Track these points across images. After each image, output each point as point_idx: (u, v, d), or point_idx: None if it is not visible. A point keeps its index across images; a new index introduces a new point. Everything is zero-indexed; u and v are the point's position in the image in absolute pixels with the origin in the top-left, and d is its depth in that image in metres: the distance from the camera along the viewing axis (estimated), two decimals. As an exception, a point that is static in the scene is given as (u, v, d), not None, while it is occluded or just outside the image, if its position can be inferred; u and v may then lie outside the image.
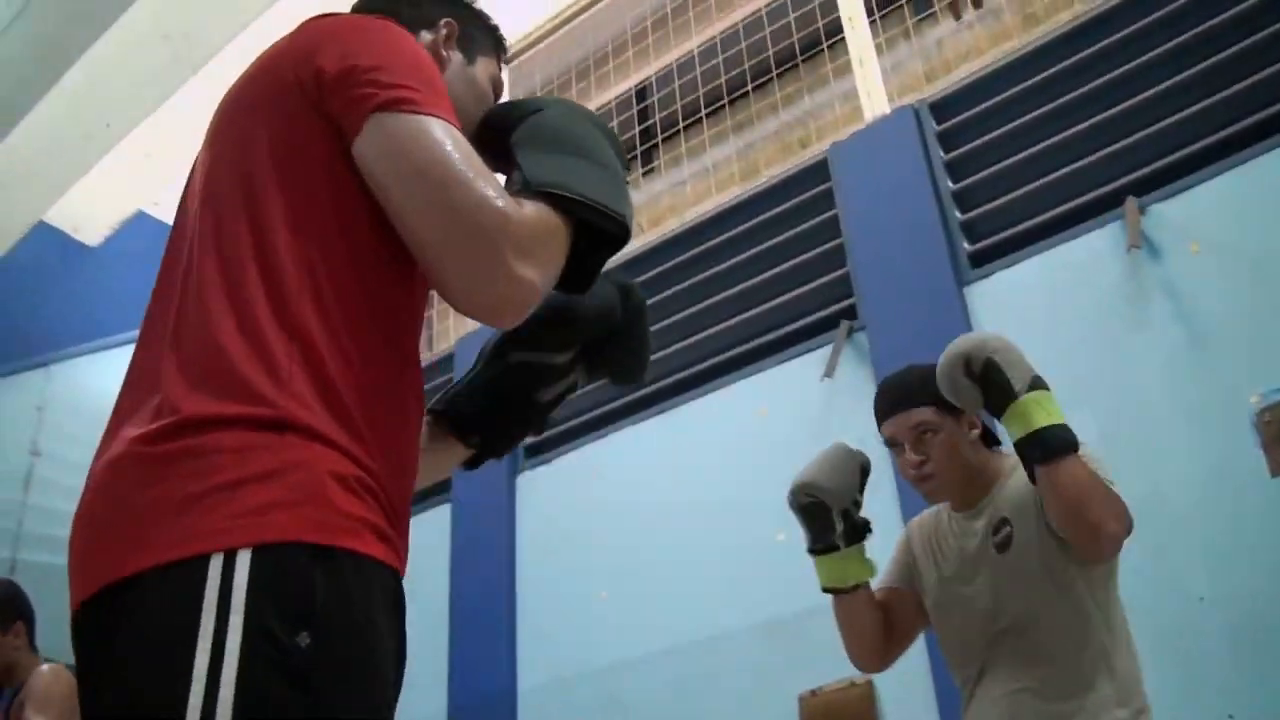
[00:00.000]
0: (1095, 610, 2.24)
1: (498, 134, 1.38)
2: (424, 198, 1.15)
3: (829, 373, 4.00)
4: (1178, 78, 3.70)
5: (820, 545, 2.45)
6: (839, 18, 4.86)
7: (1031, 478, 2.17)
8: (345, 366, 1.13)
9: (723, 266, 4.60)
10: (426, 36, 1.49)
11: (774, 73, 5.30)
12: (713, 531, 4.11)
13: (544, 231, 1.21)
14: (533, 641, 4.56)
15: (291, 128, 1.22)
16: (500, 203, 1.15)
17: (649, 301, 4.22)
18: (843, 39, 4.83)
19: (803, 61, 5.33)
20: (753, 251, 4.53)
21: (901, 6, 5.03)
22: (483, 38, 1.59)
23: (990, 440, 2.48)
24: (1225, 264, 3.42)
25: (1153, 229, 3.57)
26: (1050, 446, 2.10)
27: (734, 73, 5.47)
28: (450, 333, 6.13)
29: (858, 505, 2.44)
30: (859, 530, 2.44)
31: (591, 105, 6.03)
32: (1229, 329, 3.35)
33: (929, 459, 2.39)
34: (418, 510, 5.28)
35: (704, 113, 5.50)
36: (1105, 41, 3.90)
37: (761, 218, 4.58)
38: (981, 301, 3.85)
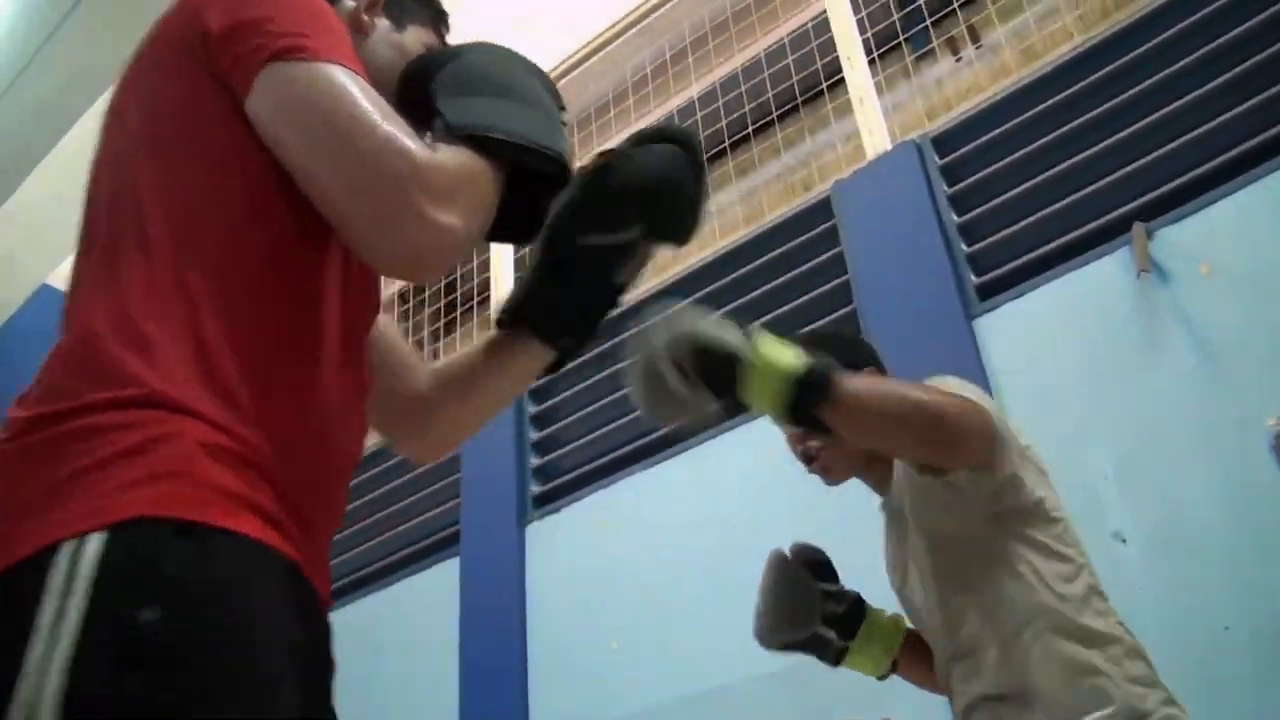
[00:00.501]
0: (1028, 572, 1.90)
1: (419, 85, 1.31)
2: (325, 147, 1.08)
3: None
4: (1178, 102, 3.67)
5: (833, 660, 2.21)
6: (837, 59, 4.85)
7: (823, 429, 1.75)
8: (230, 341, 1.06)
9: (729, 308, 4.56)
10: (348, 3, 1.43)
11: (774, 115, 5.30)
12: (728, 578, 4.02)
13: (463, 174, 1.14)
14: (545, 694, 4.46)
15: (180, 90, 1.16)
16: (409, 144, 1.08)
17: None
18: (842, 80, 4.82)
19: (803, 103, 5.33)
20: (759, 291, 4.49)
21: (899, 45, 5.03)
22: (416, 6, 1.53)
23: None
24: (1236, 284, 3.37)
25: (1161, 253, 3.52)
26: (802, 399, 1.67)
27: (734, 117, 5.46)
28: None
29: (834, 597, 2.18)
30: (852, 615, 2.18)
31: (593, 151, 6.02)
32: (1243, 351, 3.30)
33: (813, 456, 2.15)
34: (427, 564, 5.22)
35: (705, 156, 5.49)
36: (1104, 70, 3.88)
37: (767, 258, 4.55)
38: (991, 334, 3.80)
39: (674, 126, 1.49)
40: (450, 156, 1.14)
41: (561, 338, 1.50)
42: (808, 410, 1.68)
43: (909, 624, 2.25)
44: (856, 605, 2.18)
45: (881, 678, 2.28)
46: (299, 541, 1.05)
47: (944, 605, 1.97)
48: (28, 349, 5.41)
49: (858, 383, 1.74)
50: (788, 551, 2.23)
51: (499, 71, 1.31)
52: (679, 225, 1.47)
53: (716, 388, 1.69)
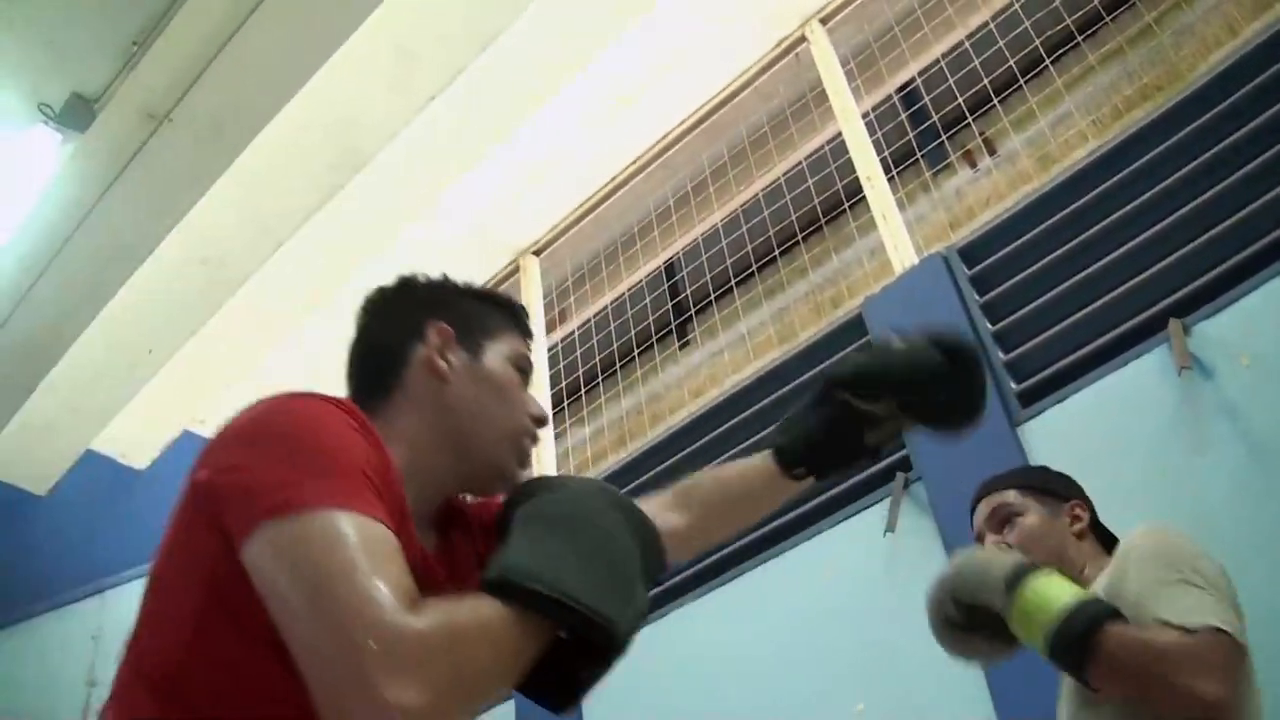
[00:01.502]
0: None
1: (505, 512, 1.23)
2: (294, 608, 1.00)
3: (890, 527, 3.91)
4: (1205, 196, 3.70)
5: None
6: (857, 178, 4.93)
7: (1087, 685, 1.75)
8: None
9: (768, 430, 4.56)
10: (420, 354, 1.40)
11: (799, 236, 5.37)
12: (787, 707, 3.97)
13: (442, 641, 0.98)
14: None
15: (186, 540, 1.18)
16: (377, 604, 0.96)
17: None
18: (863, 198, 4.89)
19: (826, 223, 5.41)
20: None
21: (918, 161, 5.12)
22: (488, 320, 1.47)
23: (1103, 536, 2.20)
24: (1276, 373, 3.36)
25: (1200, 348, 3.52)
26: (1074, 642, 1.69)
27: (759, 241, 5.54)
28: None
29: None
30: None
31: (622, 286, 6.11)
32: (1289, 439, 3.27)
33: (1011, 544, 2.10)
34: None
35: (734, 282, 5.55)
36: (1126, 170, 3.93)
37: (802, 379, 4.56)
38: (1036, 439, 3.78)
39: (959, 339, 1.72)
40: (436, 621, 0.99)
41: (798, 469, 1.72)
42: (1068, 658, 1.71)
43: None
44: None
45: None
46: None
47: None
48: (72, 515, 5.47)
49: (1128, 629, 1.71)
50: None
51: (582, 509, 1.18)
52: (938, 413, 1.68)
53: (988, 630, 1.83)
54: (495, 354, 1.44)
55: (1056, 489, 2.17)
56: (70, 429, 5.44)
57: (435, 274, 1.57)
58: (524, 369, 1.47)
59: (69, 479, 5.70)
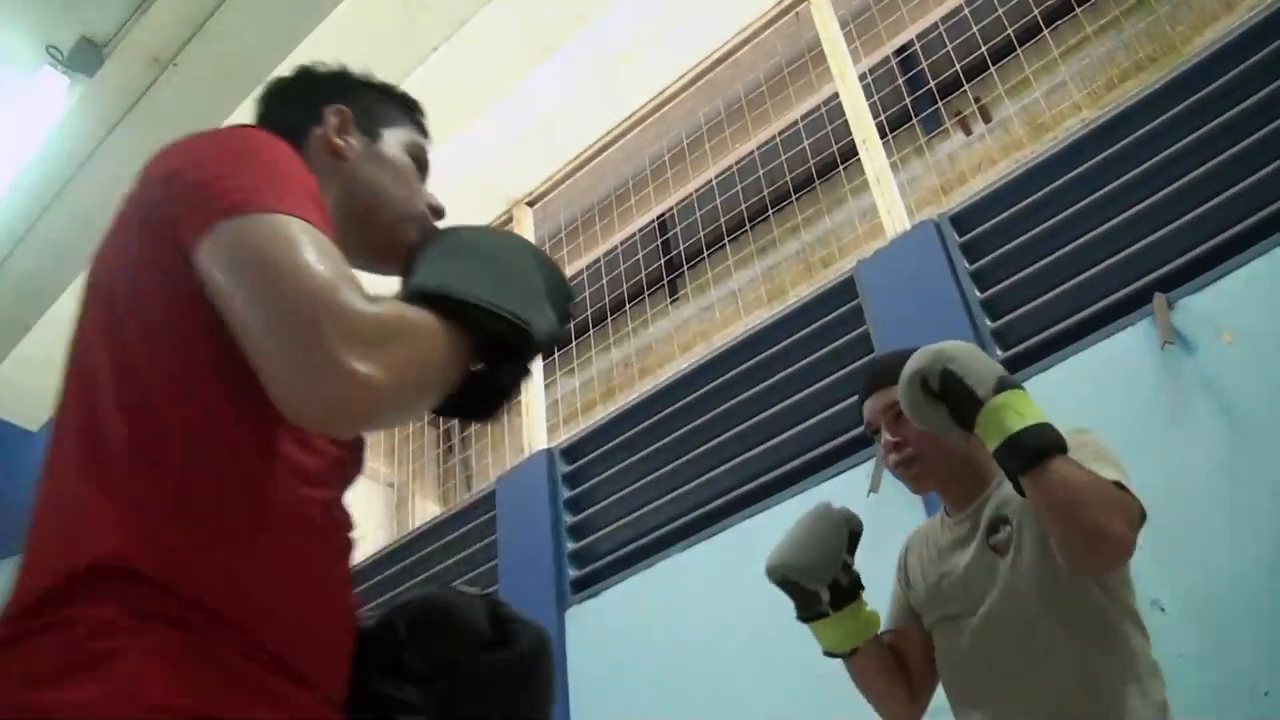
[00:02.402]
0: (1118, 614, 2.03)
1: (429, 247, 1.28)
2: (252, 292, 1.02)
3: (874, 488, 4.00)
4: (1194, 173, 3.76)
5: (806, 615, 2.33)
6: (852, 140, 4.98)
7: (1019, 490, 1.91)
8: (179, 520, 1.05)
9: (757, 389, 4.64)
10: (317, 133, 1.41)
11: (793, 196, 5.42)
12: (769, 658, 4.07)
13: (399, 326, 1.06)
14: (591, 779, 4.49)
15: (135, 265, 1.15)
16: (340, 289, 1.01)
17: (685, 429, 4.25)
18: (858, 159, 4.94)
19: (820, 183, 5.46)
20: (787, 372, 4.57)
21: (913, 125, 5.16)
22: (384, 109, 1.50)
23: None
24: (1260, 351, 3.43)
25: (1183, 323, 3.59)
26: (1029, 450, 1.83)
27: (753, 199, 5.59)
28: (489, 470, 6.17)
29: (847, 568, 2.28)
30: (850, 591, 2.28)
31: (615, 238, 6.16)
32: (1271, 417, 3.35)
33: (907, 441, 2.20)
34: (467, 652, 5.26)
35: (727, 239, 5.61)
36: (1119, 143, 3.97)
37: (792, 339, 4.63)
38: (1019, 406, 3.86)
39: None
40: (389, 308, 1.06)
41: None
42: (1014, 460, 1.83)
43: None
44: (856, 585, 2.28)
45: (829, 654, 2.35)
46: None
47: (1020, 632, 2.02)
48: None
49: (1069, 465, 1.86)
50: (839, 506, 2.30)
51: (490, 245, 1.28)
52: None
53: (955, 413, 1.92)
54: (393, 141, 1.47)
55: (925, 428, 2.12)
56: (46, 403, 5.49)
57: (338, 69, 1.56)
58: (421, 160, 1.51)
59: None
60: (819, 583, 2.23)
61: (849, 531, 2.28)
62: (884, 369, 2.29)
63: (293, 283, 1.00)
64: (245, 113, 4.11)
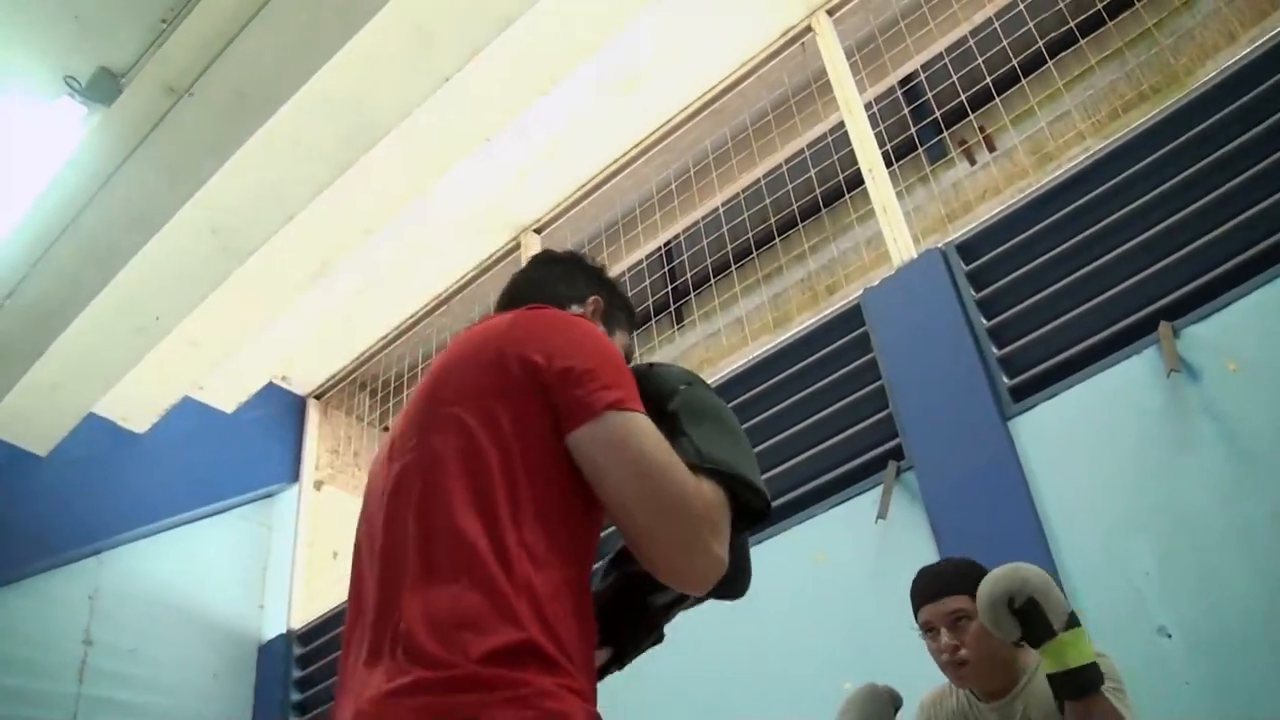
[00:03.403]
0: None
1: (653, 394, 1.59)
2: (637, 489, 1.40)
3: (882, 514, 4.02)
4: (1199, 202, 3.80)
5: None
6: (858, 168, 5.02)
7: (1060, 707, 2.32)
8: (558, 602, 1.38)
9: (764, 415, 4.67)
10: (576, 310, 1.81)
11: (799, 224, 5.46)
12: (776, 683, 4.09)
13: (721, 509, 1.45)
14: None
15: (515, 407, 1.47)
16: (696, 492, 1.41)
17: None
18: (863, 188, 4.98)
19: (826, 211, 5.50)
20: (794, 399, 4.60)
21: (918, 154, 5.20)
22: (620, 314, 1.91)
23: None
24: (1265, 380, 3.47)
25: (1189, 351, 3.63)
26: (1081, 686, 2.24)
27: (760, 226, 5.63)
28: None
29: None
30: None
31: (622, 265, 6.20)
32: (1276, 444, 3.38)
33: (963, 645, 2.57)
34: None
35: (733, 266, 5.64)
36: (1123, 173, 4.02)
37: (799, 365, 4.66)
38: (1026, 434, 3.89)
39: None
40: (713, 495, 1.44)
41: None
42: (1067, 689, 2.25)
43: None
44: None
45: None
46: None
47: None
48: (72, 476, 5.52)
49: (1105, 701, 2.27)
50: (881, 686, 2.69)
51: (729, 417, 1.62)
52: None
53: (1029, 634, 2.28)
54: (619, 340, 1.87)
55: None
56: (74, 392, 5.49)
57: (601, 266, 2.01)
58: (629, 360, 1.83)
59: (70, 440, 5.76)
60: None
61: (895, 709, 2.66)
62: (946, 579, 2.70)
63: (670, 488, 1.39)
64: (259, 141, 4.14)
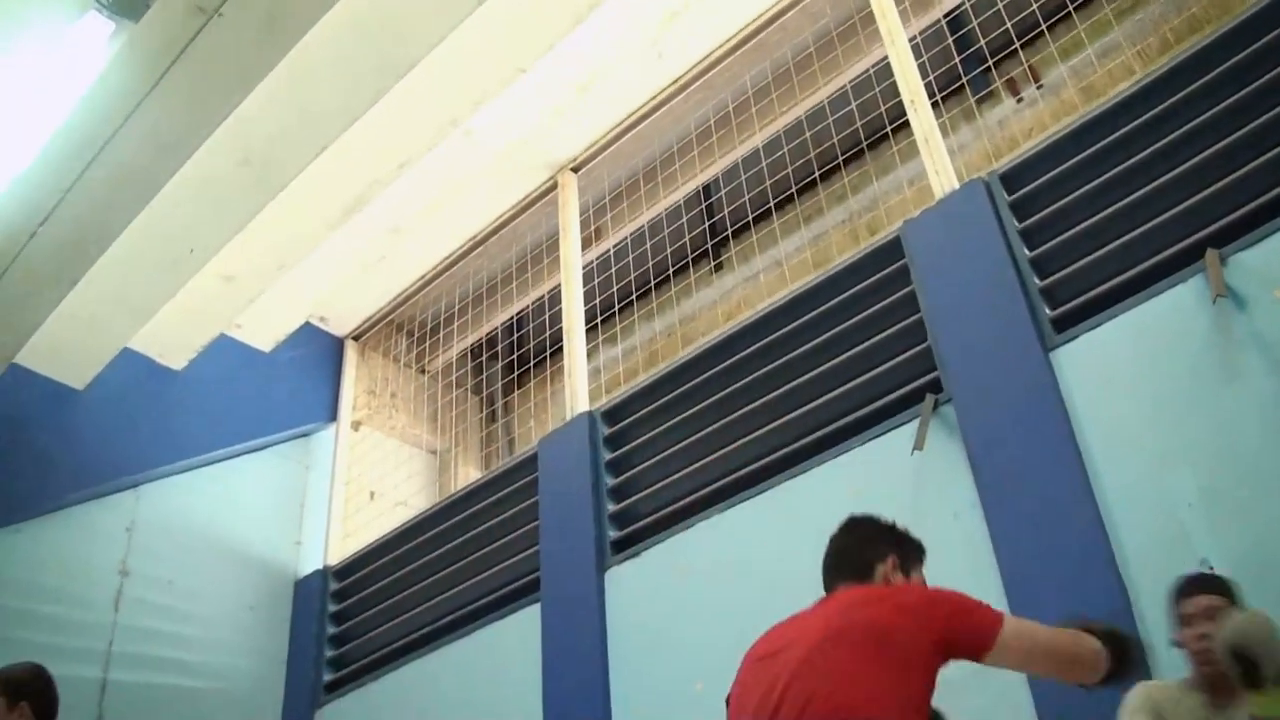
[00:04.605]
0: None
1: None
2: (1050, 661, 2.27)
3: (918, 445, 3.95)
4: (1247, 128, 3.69)
5: None
6: (900, 103, 4.91)
7: None
8: None
9: (802, 350, 4.60)
10: (880, 568, 2.38)
11: (840, 158, 5.36)
12: (807, 616, 4.03)
13: (1091, 649, 2.26)
14: (629, 737, 4.48)
15: (911, 653, 2.10)
16: (1067, 641, 2.24)
17: (729, 390, 4.31)
18: (905, 124, 4.87)
19: (868, 148, 5.40)
20: (833, 332, 4.53)
21: (963, 88, 5.09)
22: (913, 557, 2.46)
23: None
24: (1312, 308, 3.37)
25: (1235, 279, 3.53)
26: None
27: (800, 163, 5.54)
28: (531, 435, 6.17)
29: None
30: None
31: (659, 206, 6.13)
32: (1324, 374, 3.29)
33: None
34: (507, 611, 5.27)
35: (773, 204, 5.56)
36: (1171, 100, 3.90)
37: (839, 299, 4.58)
38: (1069, 364, 3.81)
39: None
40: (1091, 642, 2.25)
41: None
42: None
43: None
44: None
45: None
46: None
47: None
48: (109, 411, 5.55)
49: None
50: None
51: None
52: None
53: (1242, 677, 2.45)
54: (915, 579, 2.43)
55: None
56: (110, 325, 5.51)
57: (899, 524, 2.60)
58: (924, 583, 2.49)
59: (106, 376, 5.78)
60: None
61: None
62: (1214, 580, 2.92)
63: (1059, 650, 2.23)
64: (290, 66, 4.08)
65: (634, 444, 5.17)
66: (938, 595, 2.27)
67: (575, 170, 6.29)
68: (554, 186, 6.33)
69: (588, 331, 5.94)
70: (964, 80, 5.01)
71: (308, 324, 6.98)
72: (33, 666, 3.30)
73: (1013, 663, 2.23)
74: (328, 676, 6.03)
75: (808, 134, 5.49)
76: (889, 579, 2.35)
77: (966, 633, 2.16)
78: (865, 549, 2.45)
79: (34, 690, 3.17)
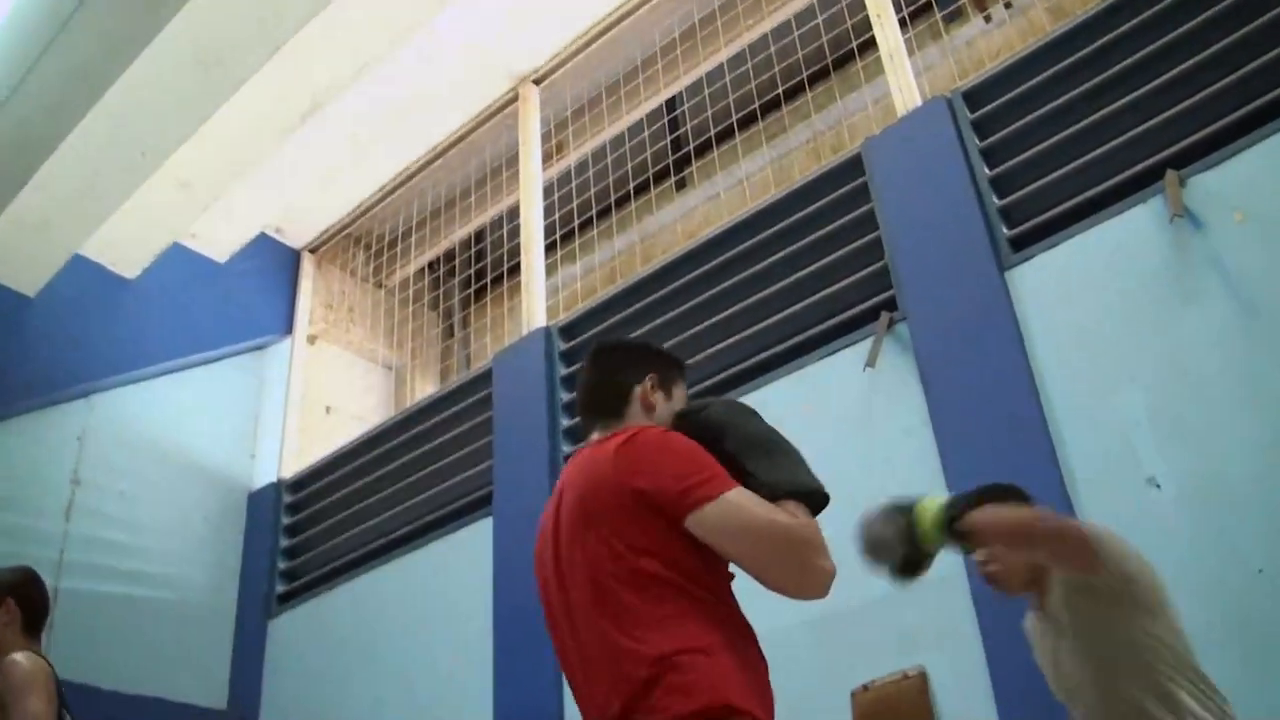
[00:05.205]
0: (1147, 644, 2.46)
1: (708, 438, 1.98)
2: (751, 548, 1.85)
3: (871, 362, 3.95)
4: (1210, 50, 3.66)
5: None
6: (867, 17, 4.85)
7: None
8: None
9: (760, 266, 4.57)
10: (637, 390, 2.15)
11: (804, 74, 5.29)
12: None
13: (813, 528, 1.86)
14: (579, 650, 4.49)
15: (636, 522, 1.90)
16: (792, 524, 1.84)
17: (686, 307, 4.30)
18: (872, 38, 4.81)
19: (834, 66, 5.33)
20: (791, 249, 4.50)
21: (930, 5, 5.02)
22: (673, 373, 2.23)
23: None
24: (1270, 231, 3.37)
25: (1194, 201, 3.52)
26: (958, 525, 2.19)
27: (766, 81, 5.47)
28: (488, 351, 6.13)
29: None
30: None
31: (621, 122, 6.05)
32: (1278, 298, 3.29)
33: (991, 560, 2.72)
34: (460, 524, 5.27)
35: (735, 121, 5.49)
36: (1135, 20, 3.87)
37: (797, 216, 4.55)
38: (1024, 285, 3.80)
39: None
40: (805, 518, 1.87)
41: None
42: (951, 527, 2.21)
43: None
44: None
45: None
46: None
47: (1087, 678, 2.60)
48: (61, 319, 5.45)
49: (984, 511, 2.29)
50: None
51: (764, 432, 2.02)
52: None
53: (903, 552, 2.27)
54: (678, 394, 2.21)
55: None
56: (61, 229, 5.40)
57: (640, 340, 2.57)
58: (685, 400, 2.24)
59: (58, 283, 5.68)
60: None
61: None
62: (991, 491, 2.65)
63: (776, 536, 1.83)
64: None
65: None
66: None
67: (537, 83, 6.19)
68: (515, 99, 6.23)
69: (547, 248, 5.89)
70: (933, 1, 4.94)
71: (264, 235, 6.86)
72: (21, 568, 3.29)
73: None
74: (281, 588, 6.02)
75: (773, 48, 5.41)
76: (648, 399, 2.14)
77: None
78: (619, 373, 2.22)
79: (20, 590, 3.16)
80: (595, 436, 2.14)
